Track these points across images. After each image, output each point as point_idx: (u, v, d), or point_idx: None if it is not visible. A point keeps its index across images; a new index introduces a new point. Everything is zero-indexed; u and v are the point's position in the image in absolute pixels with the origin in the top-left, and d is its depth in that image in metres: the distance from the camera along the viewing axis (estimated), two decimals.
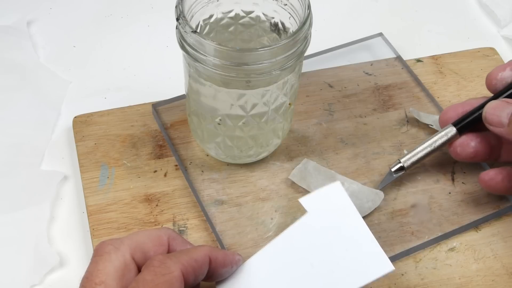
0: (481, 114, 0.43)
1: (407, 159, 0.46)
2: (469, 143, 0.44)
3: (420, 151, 0.46)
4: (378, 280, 0.37)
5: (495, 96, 0.44)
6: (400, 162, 0.46)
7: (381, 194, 0.46)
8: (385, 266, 0.38)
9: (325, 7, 0.62)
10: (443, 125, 0.46)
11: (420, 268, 0.43)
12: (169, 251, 0.35)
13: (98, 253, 0.33)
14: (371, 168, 0.48)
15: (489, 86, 0.45)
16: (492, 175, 0.44)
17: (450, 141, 0.45)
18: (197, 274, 0.34)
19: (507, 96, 0.43)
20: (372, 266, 0.38)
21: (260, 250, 0.39)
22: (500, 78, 0.44)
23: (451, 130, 0.45)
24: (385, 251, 0.43)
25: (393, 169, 0.46)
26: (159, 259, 0.32)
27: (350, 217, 0.40)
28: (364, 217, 0.45)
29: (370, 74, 0.55)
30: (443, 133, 0.45)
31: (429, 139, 0.46)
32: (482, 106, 0.44)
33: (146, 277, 0.32)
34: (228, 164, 0.48)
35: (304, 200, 0.40)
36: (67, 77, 0.55)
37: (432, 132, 0.51)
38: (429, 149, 0.46)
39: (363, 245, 0.39)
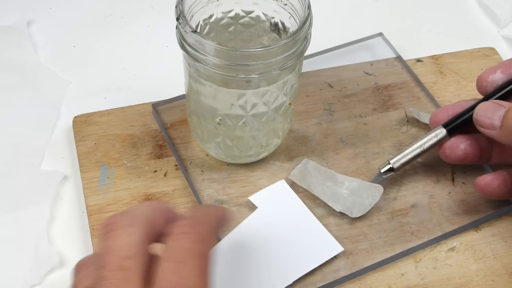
0: (471, 115, 0.43)
1: (397, 160, 0.46)
2: (459, 145, 0.44)
3: (410, 153, 0.45)
4: (331, 261, 0.42)
5: (486, 98, 0.44)
6: (389, 163, 0.46)
7: (380, 189, 0.45)
8: (335, 248, 0.43)
9: (325, 7, 0.62)
10: (434, 126, 0.46)
11: (420, 268, 0.43)
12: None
13: (113, 228, 0.29)
14: (371, 168, 0.48)
15: (479, 89, 0.45)
16: (488, 181, 0.43)
17: (440, 143, 0.45)
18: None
19: (498, 98, 0.43)
20: (323, 249, 0.43)
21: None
22: (491, 80, 0.44)
23: (441, 132, 0.45)
24: (385, 251, 0.44)
25: (382, 170, 0.46)
26: (191, 225, 0.30)
27: (298, 209, 0.45)
28: (364, 217, 0.45)
29: (370, 74, 0.55)
30: (433, 134, 0.45)
31: (419, 141, 0.45)
32: (472, 107, 0.43)
33: (183, 244, 0.29)
34: (228, 164, 0.48)
35: (253, 197, 0.45)
36: (67, 77, 0.55)
37: None
38: (418, 150, 0.45)
39: (312, 232, 0.44)
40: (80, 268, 0.30)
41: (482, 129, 0.41)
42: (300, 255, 0.43)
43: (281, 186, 0.46)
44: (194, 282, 0.28)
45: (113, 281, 0.27)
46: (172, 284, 0.27)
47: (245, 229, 0.44)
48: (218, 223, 0.33)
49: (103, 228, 0.30)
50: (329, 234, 0.44)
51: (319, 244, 0.43)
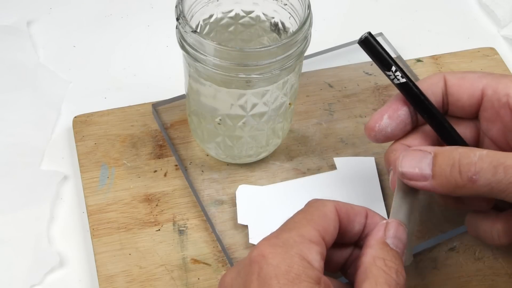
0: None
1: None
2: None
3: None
4: None
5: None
6: None
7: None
8: None
9: (325, 7, 0.62)
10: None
11: (420, 268, 0.43)
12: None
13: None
14: None
15: (370, 139, 0.40)
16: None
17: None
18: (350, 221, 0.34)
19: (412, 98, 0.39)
20: None
21: (284, 182, 0.47)
22: (379, 129, 0.39)
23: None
24: None
25: None
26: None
27: (371, 188, 0.47)
28: None
29: (370, 74, 0.55)
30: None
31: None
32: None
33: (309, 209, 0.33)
34: (228, 164, 0.48)
35: (337, 159, 0.48)
36: (67, 77, 0.55)
37: None
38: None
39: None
40: None
41: (411, 183, 0.35)
42: None
43: (369, 161, 0.48)
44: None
45: None
46: None
47: (312, 180, 0.47)
48: (325, 231, 0.33)
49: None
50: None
51: None
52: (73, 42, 0.58)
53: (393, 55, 0.56)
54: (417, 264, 0.44)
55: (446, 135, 0.39)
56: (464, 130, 0.40)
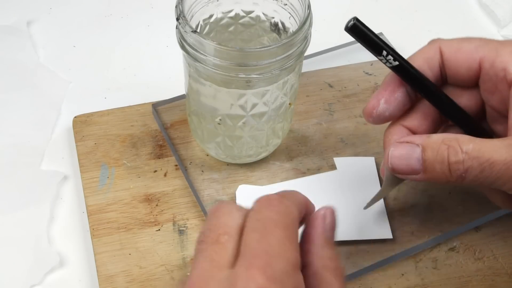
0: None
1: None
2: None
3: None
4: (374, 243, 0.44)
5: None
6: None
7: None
8: (385, 233, 0.44)
9: (325, 7, 0.62)
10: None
11: (420, 268, 0.43)
12: None
13: (217, 211, 0.31)
14: None
15: (369, 122, 0.40)
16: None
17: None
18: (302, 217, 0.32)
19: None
20: (374, 229, 0.44)
21: (284, 182, 0.47)
22: (377, 114, 0.39)
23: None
24: (385, 251, 0.44)
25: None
26: (276, 198, 0.30)
27: (371, 187, 0.46)
28: None
29: (370, 74, 0.55)
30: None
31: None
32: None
33: (269, 214, 0.29)
34: (228, 164, 0.48)
35: (337, 159, 0.48)
36: (67, 77, 0.55)
37: None
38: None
39: (372, 210, 0.44)
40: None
41: (403, 176, 0.36)
42: (350, 222, 0.44)
43: (369, 161, 0.48)
44: (279, 248, 0.28)
45: (207, 252, 0.29)
46: (258, 252, 0.28)
47: (312, 180, 0.47)
48: (302, 207, 0.32)
49: (208, 212, 0.32)
50: (387, 220, 0.45)
51: (373, 223, 0.44)
52: (73, 42, 0.58)
53: None
54: (417, 264, 0.44)
55: (446, 110, 0.39)
56: (466, 99, 0.39)
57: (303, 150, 0.49)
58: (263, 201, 0.30)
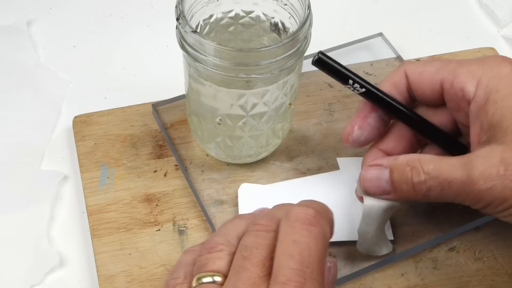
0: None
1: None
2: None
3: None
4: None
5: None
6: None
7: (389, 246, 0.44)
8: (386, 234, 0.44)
9: (325, 7, 0.62)
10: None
11: (420, 268, 0.43)
12: None
13: (264, 229, 0.31)
14: None
15: (347, 146, 0.42)
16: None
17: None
18: None
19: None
20: None
21: (286, 181, 0.47)
22: (353, 140, 0.41)
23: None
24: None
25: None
26: (314, 216, 0.30)
27: None
28: None
29: (370, 74, 0.55)
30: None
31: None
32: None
33: (306, 241, 0.29)
34: (228, 164, 0.48)
35: (340, 159, 0.48)
36: (67, 77, 0.55)
37: None
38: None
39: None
40: (211, 248, 0.32)
41: (377, 196, 0.39)
42: (351, 223, 0.44)
43: None
44: (311, 285, 0.28)
45: (251, 274, 0.29)
46: (291, 280, 0.28)
47: (315, 180, 0.47)
48: (332, 224, 0.32)
49: (253, 226, 0.31)
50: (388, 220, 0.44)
51: None
52: (73, 42, 0.58)
53: (393, 55, 0.57)
54: (417, 264, 0.44)
55: (420, 129, 0.41)
56: (440, 117, 0.41)
57: (303, 150, 0.49)
58: (300, 216, 0.30)
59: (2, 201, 0.46)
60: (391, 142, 0.42)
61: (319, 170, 0.48)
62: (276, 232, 0.31)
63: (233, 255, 0.31)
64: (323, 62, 0.39)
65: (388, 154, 0.42)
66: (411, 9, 0.64)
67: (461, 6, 0.65)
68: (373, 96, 0.40)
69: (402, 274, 0.43)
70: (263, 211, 0.35)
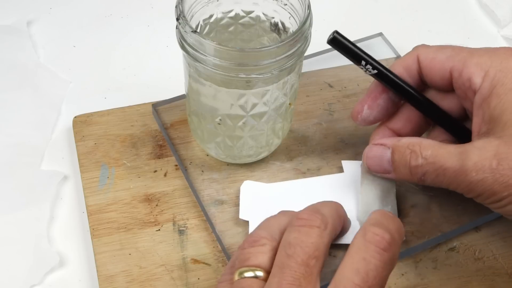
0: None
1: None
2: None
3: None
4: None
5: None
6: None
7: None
8: None
9: (325, 7, 0.62)
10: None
11: (420, 268, 0.43)
12: None
13: (307, 224, 0.32)
14: None
15: (356, 124, 0.44)
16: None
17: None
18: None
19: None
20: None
21: (289, 181, 0.47)
22: (362, 119, 0.43)
23: None
24: None
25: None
26: (388, 240, 0.32)
27: None
28: None
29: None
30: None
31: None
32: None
33: (368, 257, 0.31)
34: (228, 164, 0.48)
35: (345, 162, 0.48)
36: (67, 77, 0.55)
37: None
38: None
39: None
40: (254, 242, 0.33)
41: (378, 174, 0.42)
42: (354, 225, 0.43)
43: None
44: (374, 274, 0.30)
45: (296, 273, 0.30)
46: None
47: (320, 182, 0.47)
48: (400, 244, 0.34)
49: (296, 220, 0.33)
50: None
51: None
52: (73, 42, 0.58)
53: (393, 55, 0.57)
54: (417, 264, 0.44)
55: (427, 112, 0.42)
56: (449, 102, 0.42)
57: (303, 150, 0.49)
58: (377, 239, 0.32)
59: (2, 201, 0.46)
60: (400, 122, 0.43)
61: (319, 170, 0.48)
62: (319, 228, 0.32)
63: (275, 249, 0.32)
64: (337, 41, 0.40)
65: (396, 133, 0.43)
66: (411, 9, 0.64)
67: (461, 6, 0.65)
68: (384, 78, 0.41)
69: (402, 274, 0.43)
70: (308, 207, 0.36)
